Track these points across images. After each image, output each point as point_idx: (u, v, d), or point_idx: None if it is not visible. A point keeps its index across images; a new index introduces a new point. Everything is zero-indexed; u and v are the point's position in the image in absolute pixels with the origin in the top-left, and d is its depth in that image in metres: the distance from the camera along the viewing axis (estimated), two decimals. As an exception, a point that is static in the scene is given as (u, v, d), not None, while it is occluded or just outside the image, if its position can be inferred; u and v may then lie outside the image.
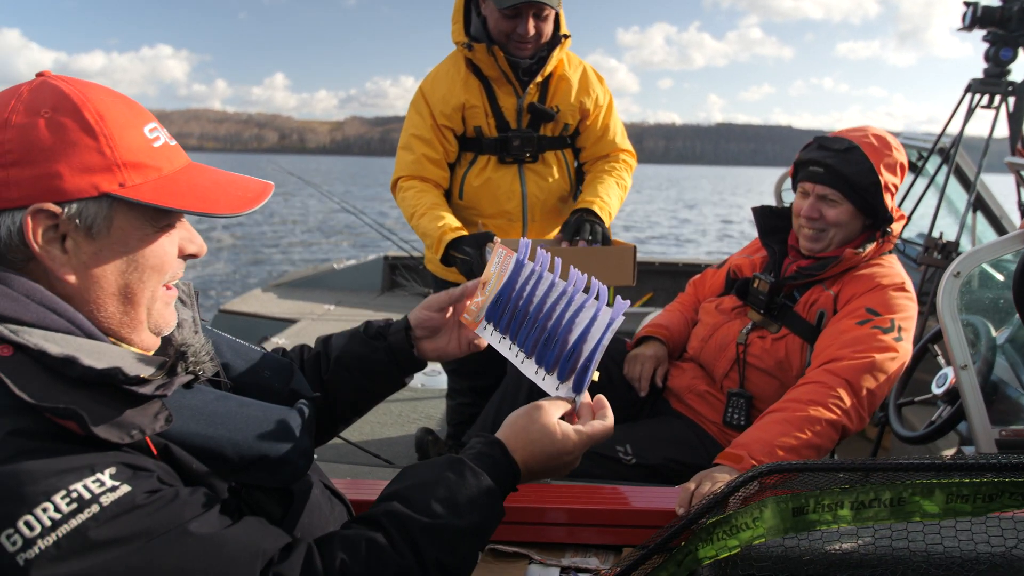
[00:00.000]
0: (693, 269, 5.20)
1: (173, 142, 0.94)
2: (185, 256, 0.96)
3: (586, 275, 1.16)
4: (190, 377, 0.92)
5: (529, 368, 1.17)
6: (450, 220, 2.23)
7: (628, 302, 1.08)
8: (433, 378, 3.61)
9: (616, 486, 1.61)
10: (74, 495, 0.74)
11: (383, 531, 0.91)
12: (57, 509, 0.72)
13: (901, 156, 1.89)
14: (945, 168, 3.13)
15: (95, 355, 0.81)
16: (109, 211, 0.85)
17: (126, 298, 0.90)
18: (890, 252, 1.98)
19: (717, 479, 1.50)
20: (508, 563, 1.39)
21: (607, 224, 2.28)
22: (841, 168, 1.85)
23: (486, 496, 0.97)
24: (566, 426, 1.06)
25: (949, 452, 2.88)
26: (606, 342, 1.07)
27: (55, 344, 0.80)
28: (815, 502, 1.17)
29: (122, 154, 0.85)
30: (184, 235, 0.95)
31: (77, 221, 0.84)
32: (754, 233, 2.20)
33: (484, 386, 2.48)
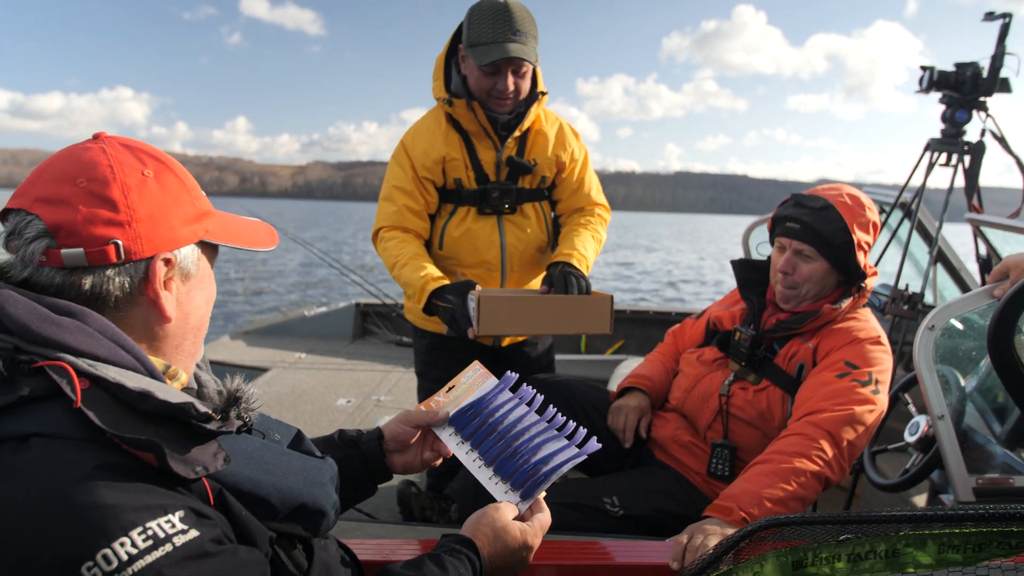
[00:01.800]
0: (664, 317, 5.27)
1: None
2: None
3: (564, 417, 1.31)
4: (240, 423, 0.97)
5: (484, 474, 1.29)
6: (432, 270, 2.26)
7: (596, 444, 1.25)
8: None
9: (606, 540, 1.61)
10: (149, 532, 0.76)
11: None
12: (134, 544, 0.74)
13: (874, 216, 1.97)
14: (907, 222, 3.26)
15: (164, 392, 0.85)
16: (198, 254, 0.97)
17: (199, 329, 1.00)
18: (865, 306, 2.05)
19: (708, 532, 1.51)
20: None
21: (589, 260, 2.34)
22: (817, 226, 1.92)
23: None
24: (521, 525, 1.20)
25: (921, 499, 2.94)
26: (564, 470, 1.23)
27: (130, 379, 0.83)
28: (813, 555, 1.19)
29: (201, 204, 0.96)
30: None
31: (181, 266, 0.94)
32: (722, 281, 2.26)
33: None
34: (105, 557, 0.72)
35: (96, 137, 0.94)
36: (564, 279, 2.19)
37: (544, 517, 1.22)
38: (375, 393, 4.14)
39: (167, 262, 0.91)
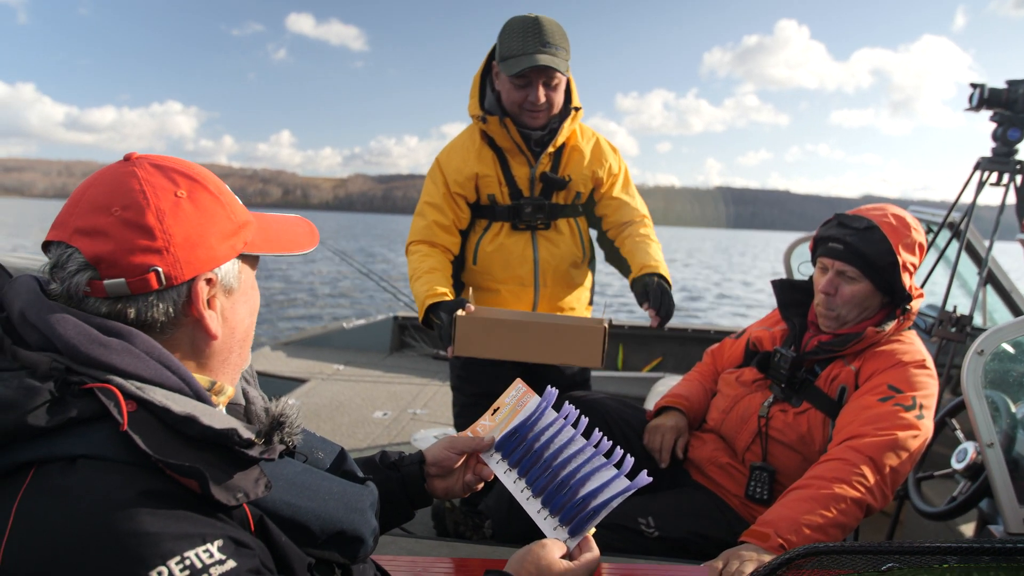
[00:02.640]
0: (702, 335, 5.21)
1: None
2: None
3: (610, 441, 1.27)
4: (284, 447, 0.97)
5: (532, 506, 1.25)
6: (437, 286, 2.27)
7: (647, 477, 1.19)
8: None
9: (641, 563, 1.59)
10: (187, 562, 0.76)
11: None
12: (171, 574, 0.75)
13: (919, 236, 1.93)
14: (956, 242, 3.18)
15: (210, 416, 0.86)
16: (239, 268, 0.97)
17: (245, 341, 1.01)
18: (910, 328, 2.00)
19: (744, 558, 1.48)
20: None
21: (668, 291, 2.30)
22: (860, 247, 1.89)
23: None
24: (568, 565, 1.13)
25: (968, 528, 2.85)
26: (614, 504, 1.18)
27: (176, 403, 0.84)
28: (852, 586, 1.16)
29: (238, 215, 0.96)
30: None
31: (222, 282, 0.94)
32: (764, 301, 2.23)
33: None
34: None
35: (127, 159, 0.93)
36: (661, 293, 2.19)
37: (592, 557, 1.17)
38: (411, 406, 4.16)
39: (208, 282, 0.92)
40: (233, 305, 0.97)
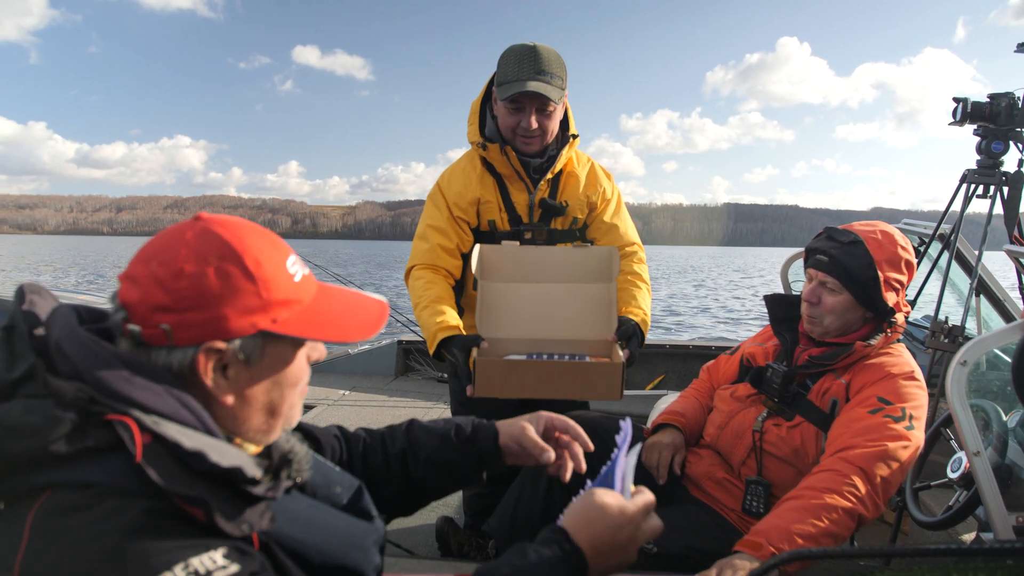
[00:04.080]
0: (703, 351, 5.25)
1: (307, 271, 1.05)
2: (309, 362, 1.07)
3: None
4: (291, 483, 1.02)
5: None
6: (448, 317, 2.29)
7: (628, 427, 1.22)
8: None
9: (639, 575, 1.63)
10: (191, 568, 0.81)
11: None
12: None
13: (907, 254, 1.97)
14: (947, 253, 3.23)
15: (219, 453, 0.90)
16: (263, 343, 0.97)
17: (270, 412, 1.02)
18: (898, 340, 2.04)
19: (737, 567, 1.52)
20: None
21: (645, 329, 2.41)
22: (843, 260, 1.95)
23: (548, 568, 1.04)
24: (620, 499, 1.13)
25: (968, 536, 2.86)
26: (624, 457, 1.20)
27: (187, 439, 0.89)
28: (837, 591, 1.20)
29: (274, 294, 0.96)
30: (311, 345, 1.06)
31: (239, 355, 0.96)
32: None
33: (500, 476, 2.50)
34: None
35: (196, 218, 0.99)
36: (631, 336, 2.28)
37: (648, 498, 1.16)
38: None
39: (216, 351, 0.94)
40: (252, 377, 0.98)
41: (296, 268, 1.01)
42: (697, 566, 1.85)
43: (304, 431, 1.34)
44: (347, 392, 5.03)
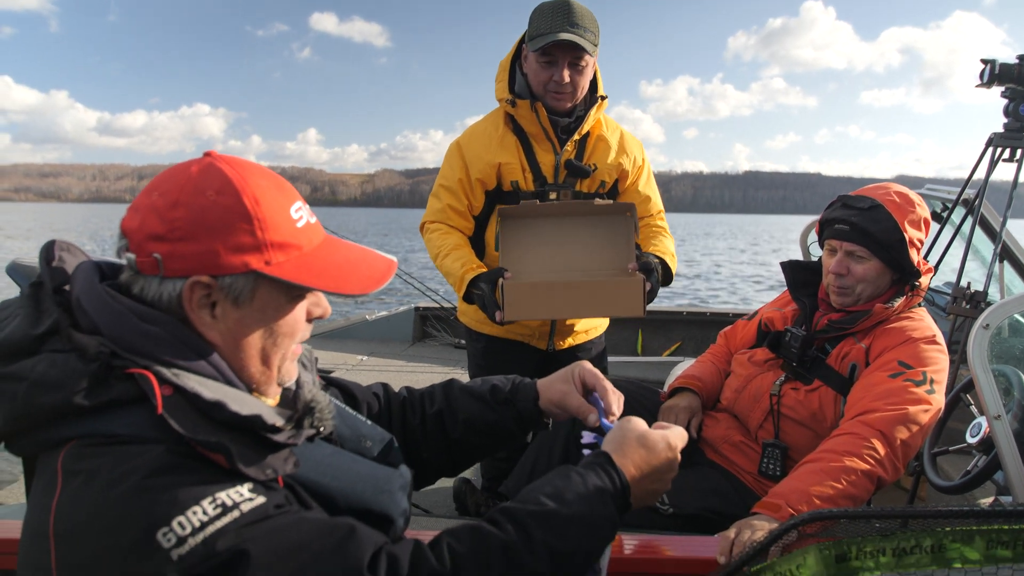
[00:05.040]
0: (721, 318, 5.23)
1: (314, 219, 1.03)
2: (311, 319, 1.06)
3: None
4: (314, 431, 1.03)
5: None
6: (471, 260, 2.35)
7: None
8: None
9: (655, 535, 1.64)
10: (219, 501, 0.84)
11: (490, 520, 0.99)
12: (205, 512, 0.82)
13: (924, 212, 1.96)
14: (970, 219, 3.18)
15: (238, 402, 0.92)
16: (254, 285, 0.96)
17: (263, 360, 1.00)
18: (919, 305, 2.03)
19: (756, 527, 1.53)
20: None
21: (671, 274, 2.42)
22: (867, 226, 1.92)
23: (592, 491, 1.03)
24: (658, 431, 1.16)
25: (986, 501, 2.86)
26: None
27: (207, 389, 0.90)
28: (857, 549, 1.21)
29: (270, 235, 0.95)
30: (312, 300, 1.04)
31: (227, 292, 0.94)
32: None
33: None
34: (180, 523, 0.80)
35: (206, 155, 0.98)
36: (652, 270, 2.26)
37: (679, 429, 1.18)
38: None
39: (202, 284, 0.93)
40: (242, 319, 0.96)
41: (301, 214, 1.00)
42: (714, 527, 1.87)
43: (340, 386, 1.35)
44: (365, 358, 5.07)
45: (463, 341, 5.49)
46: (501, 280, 2.19)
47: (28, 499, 0.92)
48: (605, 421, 1.27)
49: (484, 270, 2.31)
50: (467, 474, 3.02)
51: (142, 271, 0.93)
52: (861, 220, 1.93)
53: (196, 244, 0.91)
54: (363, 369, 4.75)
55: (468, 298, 2.32)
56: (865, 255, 1.95)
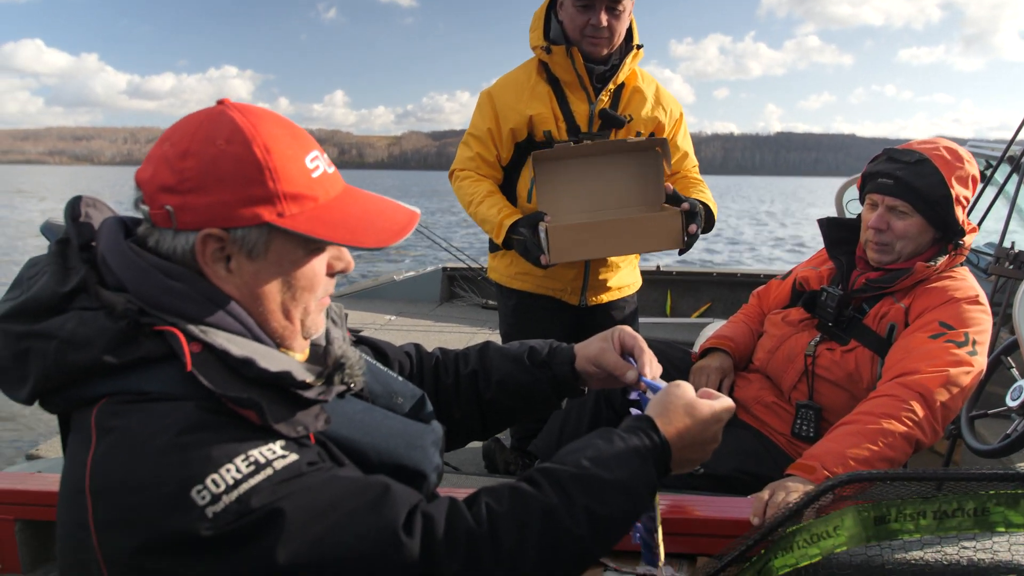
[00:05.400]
0: (751, 279, 5.16)
1: (332, 169, 0.99)
2: (333, 273, 1.03)
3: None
4: (344, 388, 1.01)
5: None
6: (507, 205, 2.36)
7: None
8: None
9: (687, 496, 1.63)
10: (252, 459, 0.83)
11: (530, 481, 0.96)
12: (238, 470, 0.82)
13: (973, 169, 1.88)
14: (1016, 177, 3.07)
15: (267, 359, 0.91)
16: (268, 237, 0.92)
17: (284, 313, 0.98)
18: (961, 264, 1.96)
19: (790, 488, 1.51)
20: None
21: (713, 220, 2.41)
22: (911, 180, 1.85)
23: (634, 456, 1.00)
24: (705, 401, 1.10)
25: (1023, 465, 2.81)
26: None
27: (236, 346, 0.89)
28: (897, 511, 1.18)
29: (283, 186, 0.91)
30: (333, 253, 1.01)
31: (240, 245, 0.92)
32: (815, 246, 2.22)
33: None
34: (214, 481, 0.80)
35: (219, 103, 0.95)
36: (699, 214, 2.26)
37: (727, 401, 1.12)
38: None
39: (214, 237, 0.90)
40: (258, 272, 0.94)
41: (317, 164, 0.96)
42: (746, 489, 1.85)
43: (371, 344, 1.33)
44: (393, 318, 5.10)
45: (491, 302, 5.49)
46: (543, 223, 2.19)
47: (65, 456, 0.93)
48: (648, 379, 1.23)
49: (520, 215, 2.31)
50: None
51: (156, 223, 0.92)
52: (906, 174, 1.86)
53: (206, 196, 0.89)
54: (391, 329, 4.78)
55: (507, 244, 2.31)
56: (907, 211, 1.88)
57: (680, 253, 2.33)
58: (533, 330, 2.52)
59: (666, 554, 1.49)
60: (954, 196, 1.84)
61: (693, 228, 2.23)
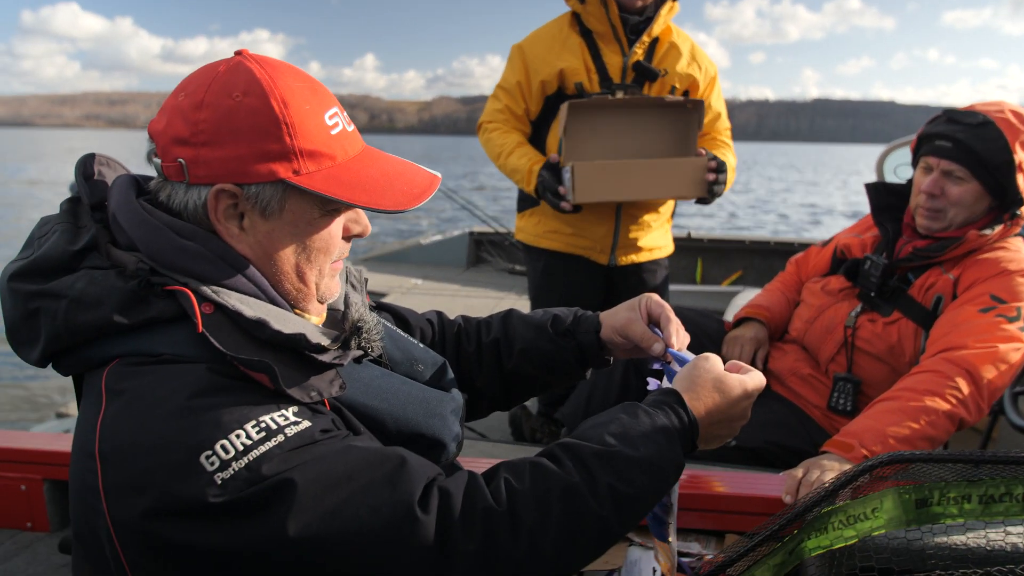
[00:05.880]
0: (784, 248, 5.04)
1: (351, 127, 0.96)
2: (350, 236, 0.99)
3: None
4: (361, 353, 0.98)
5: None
6: (536, 155, 2.36)
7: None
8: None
9: (717, 471, 1.58)
10: (263, 425, 0.80)
11: (551, 457, 0.92)
12: (248, 436, 0.79)
13: None
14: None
15: (281, 321, 0.87)
16: (283, 195, 0.89)
17: (299, 275, 0.94)
18: (1017, 235, 1.86)
19: (825, 467, 1.45)
20: (610, 544, 1.38)
21: (728, 182, 2.37)
22: (972, 144, 1.74)
23: (660, 433, 0.95)
24: (736, 374, 1.04)
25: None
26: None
27: (249, 307, 0.86)
28: (940, 494, 1.12)
29: (300, 142, 0.87)
30: (350, 216, 0.98)
31: (254, 202, 0.88)
32: (843, 218, 2.12)
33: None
34: (223, 446, 0.77)
35: (237, 53, 0.92)
36: (718, 168, 2.27)
37: (759, 376, 1.06)
38: None
39: (228, 193, 0.87)
40: (271, 232, 0.90)
41: (336, 120, 0.92)
42: (777, 462, 1.80)
43: (393, 311, 1.29)
44: (419, 282, 5.08)
45: (518, 267, 5.44)
46: (570, 163, 2.19)
47: (78, 417, 0.91)
48: (675, 351, 1.17)
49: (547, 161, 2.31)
50: (522, 399, 3.01)
51: (168, 177, 0.89)
52: (967, 137, 1.75)
53: (221, 149, 0.85)
54: (417, 293, 4.76)
55: (539, 192, 2.31)
56: (964, 176, 1.77)
57: (702, 202, 2.33)
58: (563, 292, 2.47)
59: (694, 530, 1.45)
60: (1017, 162, 1.73)
61: (712, 177, 2.24)
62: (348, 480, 0.81)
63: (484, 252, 5.79)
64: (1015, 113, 1.76)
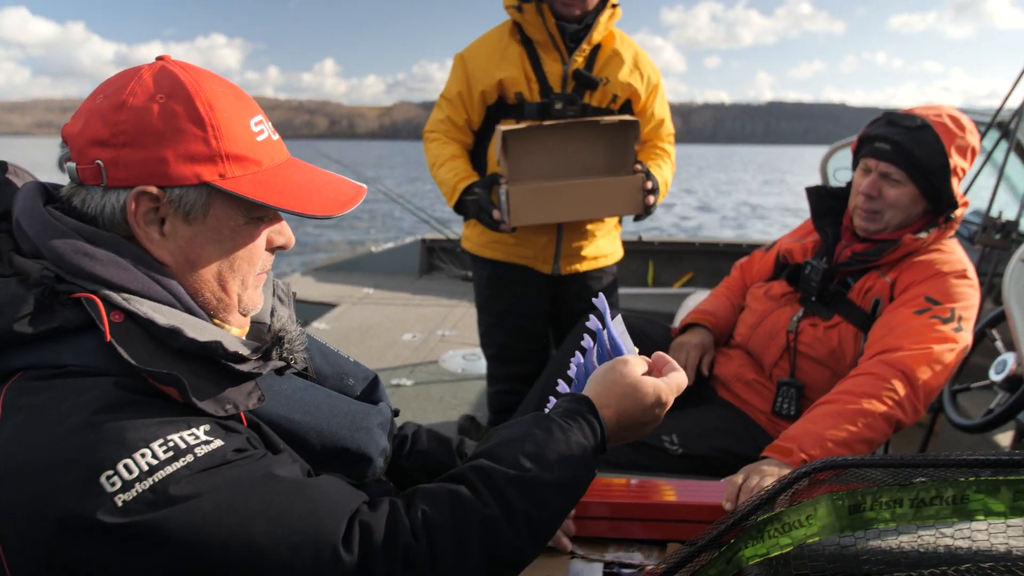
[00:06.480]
0: (733, 249, 5.11)
1: (276, 136, 0.94)
2: (273, 248, 0.97)
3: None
4: (283, 364, 0.95)
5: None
6: (466, 169, 2.35)
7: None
8: (472, 363, 3.61)
9: (660, 480, 1.58)
10: (171, 444, 0.76)
11: (467, 483, 0.90)
12: (155, 456, 0.75)
13: (974, 140, 1.80)
14: (1004, 143, 3.00)
15: (197, 329, 0.84)
16: (207, 199, 0.87)
17: (220, 285, 0.92)
18: (951, 237, 1.90)
19: (765, 472, 1.46)
20: (550, 557, 1.37)
21: (660, 197, 2.36)
22: (909, 147, 1.77)
23: (577, 451, 0.94)
24: (655, 380, 1.04)
25: (1006, 438, 2.78)
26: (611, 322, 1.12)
27: (162, 315, 0.83)
28: (872, 499, 1.12)
29: (226, 146, 0.86)
30: (274, 228, 0.96)
31: (177, 206, 0.86)
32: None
33: (523, 373, 2.47)
34: (126, 466, 0.73)
35: (158, 58, 0.90)
36: (651, 178, 2.27)
37: (680, 376, 1.07)
38: (440, 328, 4.18)
39: (149, 196, 0.85)
40: (194, 237, 0.89)
41: (262, 128, 0.91)
42: (724, 468, 1.80)
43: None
44: (371, 291, 5.02)
45: (469, 274, 5.41)
46: (504, 187, 2.18)
47: None
48: (613, 332, 1.14)
49: (476, 178, 2.31)
50: (471, 411, 2.98)
51: (83, 180, 0.85)
52: (905, 140, 1.78)
53: (142, 151, 0.83)
54: (369, 303, 4.70)
55: (460, 207, 2.32)
56: (901, 179, 1.81)
57: (636, 219, 2.35)
58: (508, 301, 2.46)
59: (637, 540, 1.44)
60: (952, 167, 1.76)
61: (651, 200, 2.25)
62: (265, 512, 0.78)
63: (437, 259, 5.75)
64: (952, 118, 1.79)
